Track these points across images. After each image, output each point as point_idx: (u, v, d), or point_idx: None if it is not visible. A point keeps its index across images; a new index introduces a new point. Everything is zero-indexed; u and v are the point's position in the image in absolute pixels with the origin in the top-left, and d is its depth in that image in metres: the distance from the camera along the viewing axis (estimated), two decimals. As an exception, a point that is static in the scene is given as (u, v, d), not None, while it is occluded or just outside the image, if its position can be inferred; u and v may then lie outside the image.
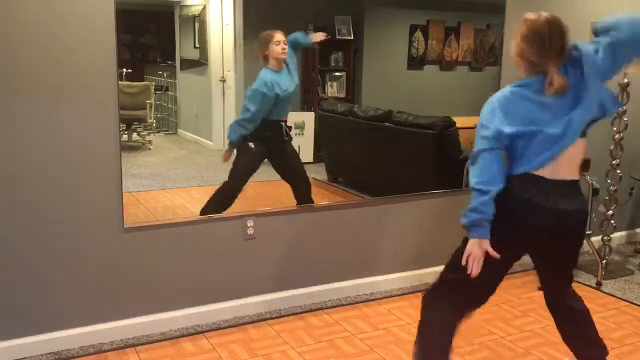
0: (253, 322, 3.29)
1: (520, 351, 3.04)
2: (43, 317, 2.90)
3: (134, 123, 3.44)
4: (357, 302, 3.59)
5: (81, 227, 2.90)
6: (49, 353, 2.92)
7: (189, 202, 3.32)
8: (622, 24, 2.10)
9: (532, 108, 2.12)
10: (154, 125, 3.53)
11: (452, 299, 2.27)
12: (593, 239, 4.14)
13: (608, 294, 3.81)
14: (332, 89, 3.75)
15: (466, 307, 2.31)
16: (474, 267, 2.12)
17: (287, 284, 3.49)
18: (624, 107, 4.02)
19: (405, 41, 3.85)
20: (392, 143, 3.84)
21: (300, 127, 3.63)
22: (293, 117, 3.59)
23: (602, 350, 2.51)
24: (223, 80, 3.45)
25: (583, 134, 2.16)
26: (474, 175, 2.13)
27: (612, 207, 4.20)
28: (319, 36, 3.46)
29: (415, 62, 3.90)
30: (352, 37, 3.69)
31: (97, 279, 2.98)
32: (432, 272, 3.90)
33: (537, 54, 2.11)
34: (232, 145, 3.32)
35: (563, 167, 2.16)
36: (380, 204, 3.71)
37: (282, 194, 3.50)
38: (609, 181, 4.20)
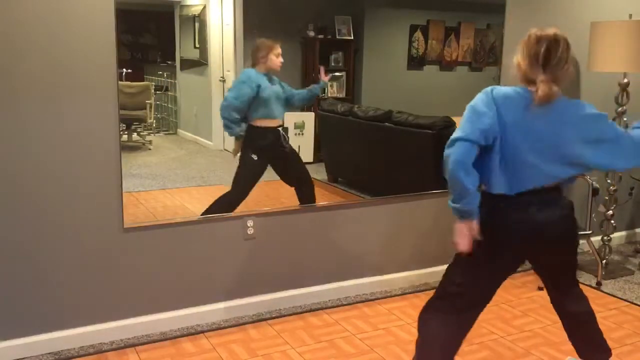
0: (253, 322, 3.29)
1: (520, 351, 3.04)
2: (43, 317, 2.90)
3: (134, 123, 3.44)
4: (357, 302, 3.59)
5: (81, 227, 2.90)
6: (49, 353, 2.92)
7: (189, 202, 3.32)
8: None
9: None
10: (154, 125, 3.53)
11: (447, 312, 2.27)
12: (593, 239, 4.14)
13: (608, 294, 3.81)
14: (332, 89, 3.75)
15: (463, 320, 2.30)
16: (463, 243, 2.14)
17: (287, 284, 3.49)
18: (624, 107, 4.01)
19: (405, 41, 3.85)
20: (392, 143, 3.84)
21: (300, 127, 3.64)
22: (293, 117, 3.59)
23: (606, 353, 2.51)
24: (223, 80, 3.45)
25: None
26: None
27: (612, 207, 4.20)
28: (322, 72, 3.55)
29: (415, 62, 3.90)
30: (352, 37, 3.69)
31: (97, 279, 2.98)
32: (432, 272, 3.91)
33: (529, 68, 2.13)
34: (236, 138, 3.35)
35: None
36: (380, 204, 3.72)
37: (282, 194, 3.50)
38: (609, 181, 4.20)
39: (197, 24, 3.34)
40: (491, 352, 3.03)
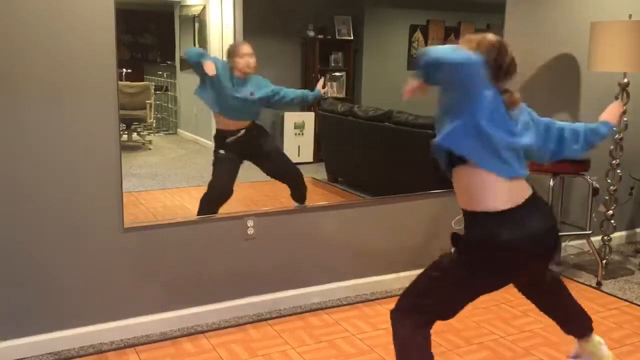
0: (253, 322, 3.29)
1: (520, 351, 3.04)
2: (43, 317, 2.90)
3: (134, 123, 3.44)
4: (357, 302, 3.59)
5: (81, 227, 2.90)
6: (49, 353, 2.92)
7: (189, 202, 3.33)
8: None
9: None
10: (154, 125, 3.54)
11: (418, 319, 2.21)
12: (593, 239, 4.14)
13: (608, 294, 3.81)
14: (332, 89, 3.75)
15: (432, 322, 2.24)
16: (409, 92, 2.19)
17: (287, 284, 3.49)
18: (624, 107, 4.01)
19: (405, 41, 3.85)
20: (392, 143, 3.84)
21: (300, 127, 3.64)
22: (293, 117, 3.59)
23: (588, 319, 2.50)
24: (223, 80, 3.44)
25: (463, 162, 2.14)
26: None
27: (612, 207, 4.20)
28: (320, 83, 3.49)
29: (415, 62, 3.90)
30: (352, 37, 3.69)
31: (97, 279, 2.98)
32: (432, 272, 3.90)
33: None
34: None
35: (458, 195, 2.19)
36: (380, 204, 3.72)
37: (282, 194, 3.50)
38: (609, 181, 4.20)
39: (197, 24, 3.34)
40: (491, 352, 3.03)
